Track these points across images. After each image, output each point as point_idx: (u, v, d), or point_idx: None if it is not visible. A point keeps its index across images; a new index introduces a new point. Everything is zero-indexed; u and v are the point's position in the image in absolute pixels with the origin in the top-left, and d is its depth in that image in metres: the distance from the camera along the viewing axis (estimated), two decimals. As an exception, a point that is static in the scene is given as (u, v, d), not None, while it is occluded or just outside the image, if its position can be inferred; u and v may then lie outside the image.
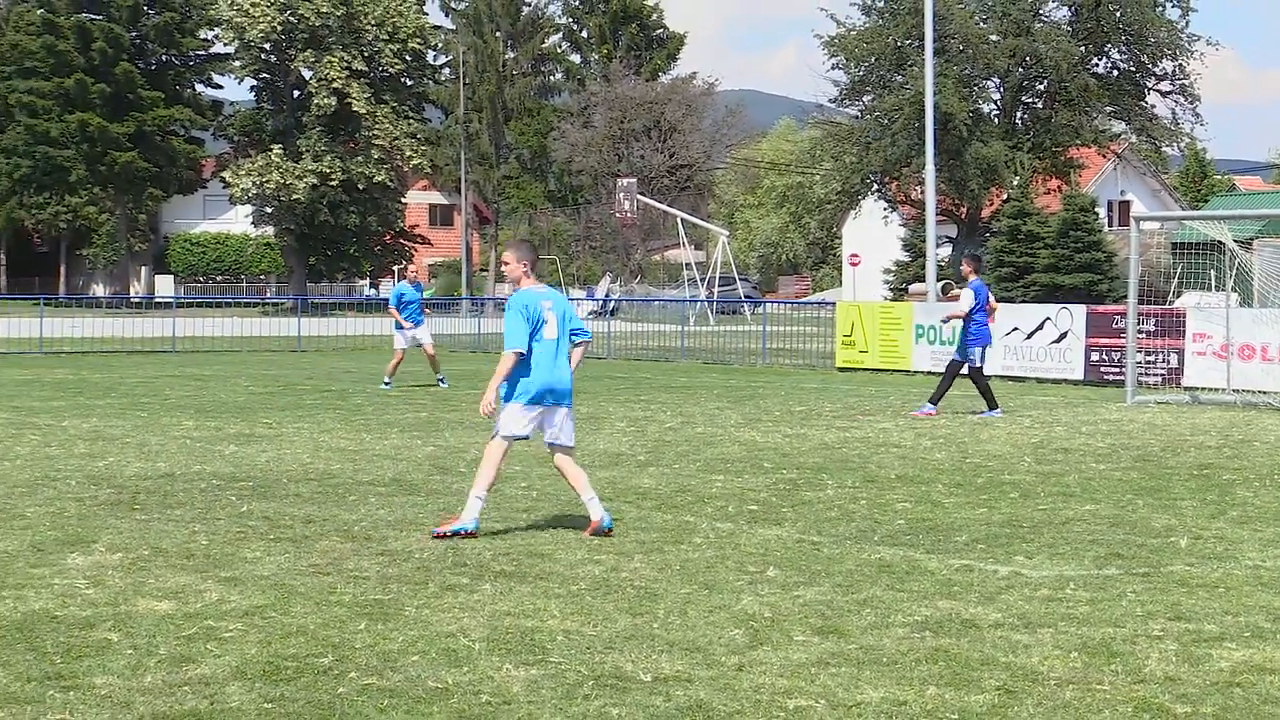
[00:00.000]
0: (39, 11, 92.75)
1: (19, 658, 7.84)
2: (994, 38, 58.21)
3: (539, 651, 8.04)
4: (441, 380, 27.97)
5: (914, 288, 48.11)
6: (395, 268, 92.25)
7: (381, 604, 9.13)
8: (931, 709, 7.08)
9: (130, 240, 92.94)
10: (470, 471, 15.30)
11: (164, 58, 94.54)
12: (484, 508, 11.56)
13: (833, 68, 60.75)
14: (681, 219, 77.11)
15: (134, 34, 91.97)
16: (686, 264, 77.08)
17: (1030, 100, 62.19)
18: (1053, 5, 60.51)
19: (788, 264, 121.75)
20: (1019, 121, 61.48)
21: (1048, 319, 30.84)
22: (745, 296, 75.81)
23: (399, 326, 28.18)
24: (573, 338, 11.87)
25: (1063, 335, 30.31)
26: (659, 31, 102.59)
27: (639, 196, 77.76)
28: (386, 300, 30.98)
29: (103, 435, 19.00)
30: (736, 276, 78.12)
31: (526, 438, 11.76)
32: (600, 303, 68.55)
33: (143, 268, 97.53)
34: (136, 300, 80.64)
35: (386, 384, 27.53)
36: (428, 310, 28.24)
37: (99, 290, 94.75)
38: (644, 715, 6.96)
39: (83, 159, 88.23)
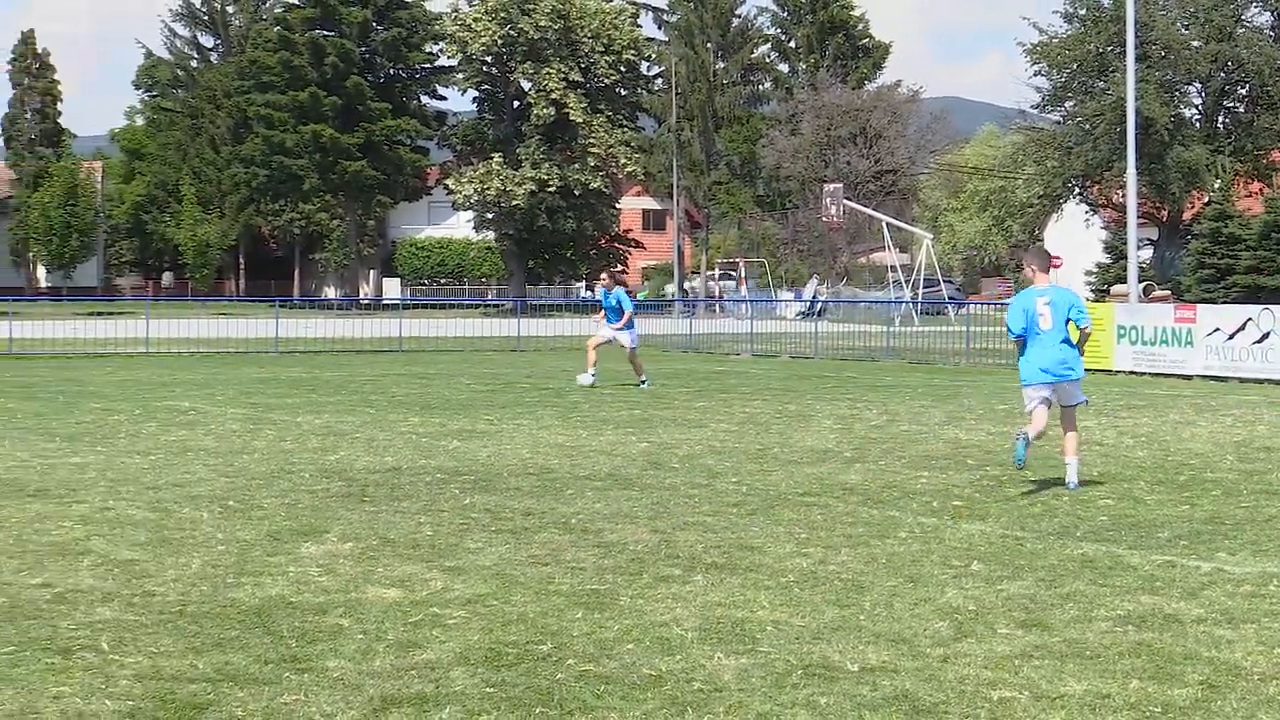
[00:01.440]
0: (276, 29, 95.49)
1: (257, 641, 8.09)
2: (1195, 44, 57.00)
3: (749, 641, 8.13)
4: (644, 382, 27.88)
5: (1116, 289, 47.30)
6: (609, 271, 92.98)
7: (598, 594, 9.30)
8: (1135, 702, 7.07)
9: (359, 245, 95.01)
10: (683, 467, 15.59)
11: (391, 71, 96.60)
12: (1028, 449, 13.78)
13: (1035, 74, 60.14)
14: (886, 223, 76.63)
15: (364, 49, 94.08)
16: (891, 266, 76.66)
17: (1232, 105, 60.82)
18: (1255, 10, 59.12)
19: (990, 266, 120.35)
20: (1220, 125, 60.13)
21: (1250, 320, 30.38)
22: (949, 298, 75.11)
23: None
24: (1076, 323, 13.92)
25: (1265, 336, 29.84)
26: (865, 41, 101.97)
27: (845, 201, 77.46)
28: (599, 302, 31.35)
29: (334, 431, 19.51)
30: (940, 278, 77.37)
31: (1049, 402, 13.96)
32: (807, 304, 68.58)
33: (371, 271, 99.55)
34: (365, 302, 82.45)
35: (589, 376, 27.74)
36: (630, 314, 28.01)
37: (330, 292, 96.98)
38: (851, 704, 7.00)
39: (315, 168, 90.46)
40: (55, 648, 7.91)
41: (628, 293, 29.35)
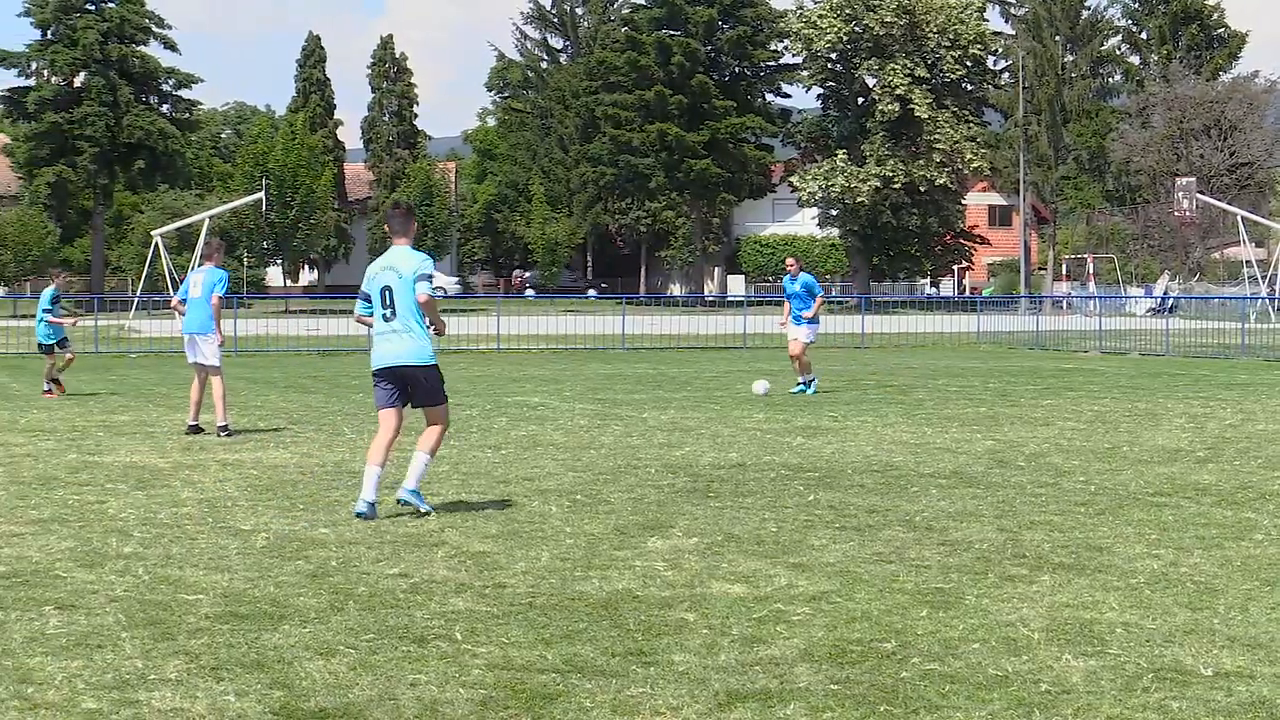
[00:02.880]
0: (623, 30, 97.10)
1: (604, 634, 8.21)
2: None
3: (1097, 643, 8.00)
4: (807, 386, 25.76)
5: None
6: (956, 266, 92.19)
7: (943, 592, 9.23)
8: None
9: (704, 242, 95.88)
10: (1029, 466, 15.35)
11: (736, 69, 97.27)
12: None
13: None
14: (1241, 217, 74.21)
15: (709, 48, 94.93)
16: (1246, 261, 74.20)
17: None
18: None
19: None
20: None
21: None
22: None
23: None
24: None
25: None
26: (1220, 31, 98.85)
27: (1198, 195, 75.33)
28: (948, 298, 30.85)
29: (679, 426, 19.75)
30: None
31: None
32: (1159, 300, 66.90)
33: (715, 268, 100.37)
34: (710, 299, 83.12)
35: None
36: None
37: (675, 289, 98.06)
38: (1204, 710, 6.84)
39: (661, 166, 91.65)
40: (411, 636, 8.16)
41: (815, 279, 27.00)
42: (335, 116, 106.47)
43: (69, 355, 26.66)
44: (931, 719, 6.77)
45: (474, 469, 15.26)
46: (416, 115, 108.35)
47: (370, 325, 12.58)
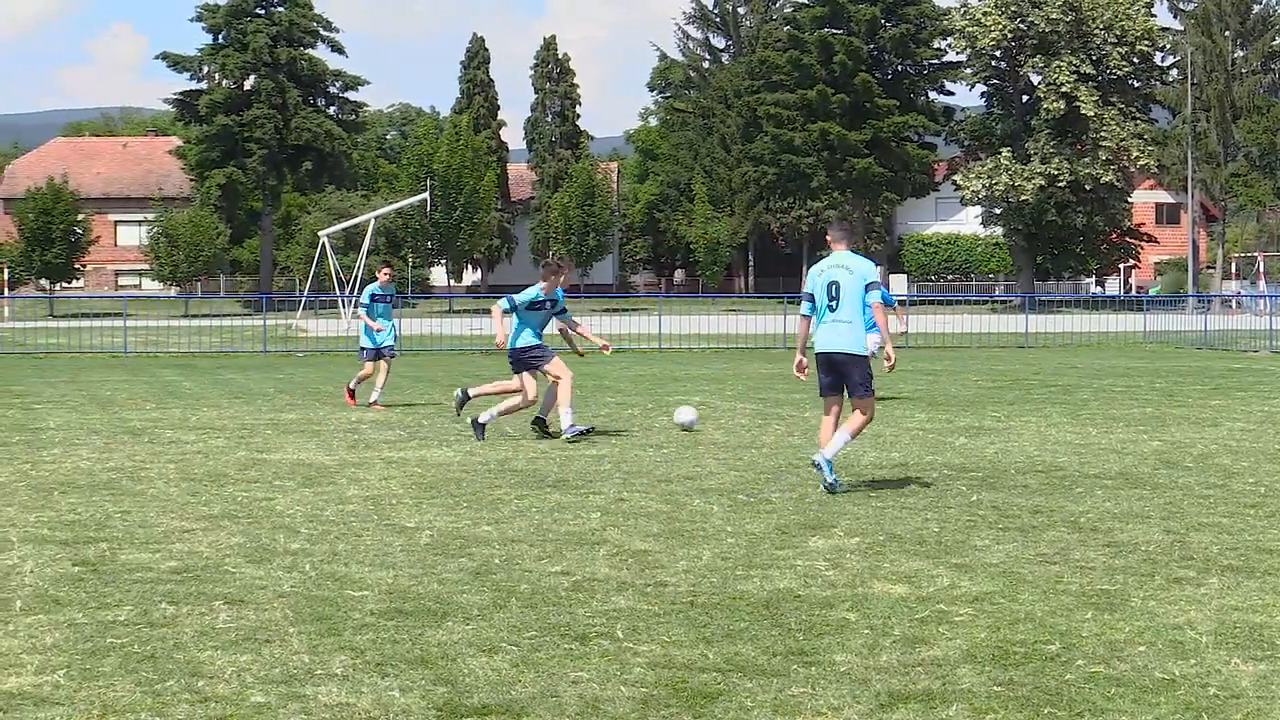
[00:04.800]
0: (786, 29, 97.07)
1: (765, 633, 8.20)
2: None
3: (1267, 647, 7.85)
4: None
5: None
6: (1122, 265, 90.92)
7: (1108, 594, 9.12)
8: None
9: (867, 241, 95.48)
10: (1196, 467, 15.09)
11: (899, 68, 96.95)
12: None
13: None
14: None
15: (871, 46, 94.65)
16: None
17: None
18: None
19: None
20: None
21: None
22: None
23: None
24: None
25: None
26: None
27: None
28: (1113, 297, 30.35)
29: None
30: None
31: None
32: None
33: (878, 267, 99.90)
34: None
35: None
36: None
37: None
38: (1377, 718, 6.69)
39: (823, 165, 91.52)
40: (573, 634, 8.21)
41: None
42: (499, 117, 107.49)
43: (367, 368, 23.77)
44: (1096, 722, 6.70)
45: (635, 467, 15.32)
46: (579, 115, 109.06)
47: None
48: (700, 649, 7.88)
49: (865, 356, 13.57)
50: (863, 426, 13.69)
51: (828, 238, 14.32)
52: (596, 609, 8.80)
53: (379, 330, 23.48)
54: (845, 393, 13.67)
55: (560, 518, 12.06)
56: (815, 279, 13.69)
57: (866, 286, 13.56)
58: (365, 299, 23.89)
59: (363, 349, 23.69)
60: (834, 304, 13.49)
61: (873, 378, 13.71)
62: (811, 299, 13.67)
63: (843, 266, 13.60)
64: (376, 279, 24.15)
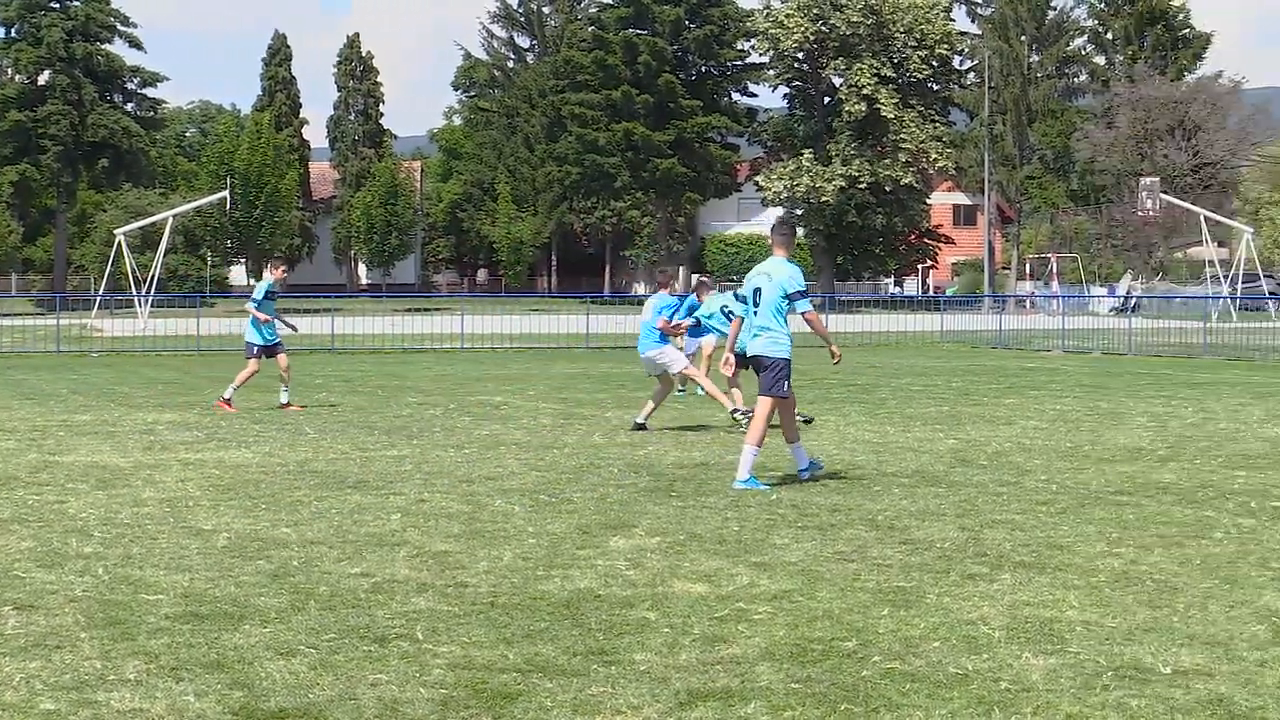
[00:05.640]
0: (590, 29, 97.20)
1: (566, 633, 8.21)
2: None
3: (1058, 641, 8.03)
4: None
5: None
6: (920, 265, 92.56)
7: (904, 591, 9.25)
8: None
9: (669, 242, 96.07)
10: (991, 465, 15.38)
11: (703, 69, 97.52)
12: None
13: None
14: (1204, 217, 74.72)
15: (675, 47, 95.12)
16: (1209, 261, 74.79)
17: None
18: None
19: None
20: None
21: None
22: (1269, 293, 72.98)
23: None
24: None
25: None
26: (1185, 31, 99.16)
27: (1162, 195, 75.89)
28: (912, 297, 30.56)
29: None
30: (1260, 273, 75.24)
31: None
32: (1121, 300, 67.42)
33: (680, 268, 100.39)
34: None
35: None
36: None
37: (640, 289, 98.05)
38: (1163, 708, 6.86)
39: (627, 165, 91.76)
40: (372, 636, 8.15)
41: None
42: (301, 115, 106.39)
43: (252, 365, 22.89)
44: (892, 717, 6.77)
45: (437, 468, 15.24)
46: (382, 114, 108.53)
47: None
48: (500, 649, 7.87)
49: (779, 360, 13.96)
50: (762, 424, 14.04)
51: (769, 241, 14.85)
52: (396, 610, 8.74)
53: (266, 322, 22.90)
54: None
55: (360, 519, 11.96)
56: (747, 281, 14.32)
57: (788, 296, 13.98)
58: (260, 295, 23.11)
59: (251, 346, 22.87)
60: (755, 309, 14.10)
61: (786, 380, 14.04)
62: (744, 300, 14.39)
63: (765, 273, 14.13)
64: (270, 275, 23.54)
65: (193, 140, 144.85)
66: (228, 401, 22.45)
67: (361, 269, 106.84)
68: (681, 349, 20.44)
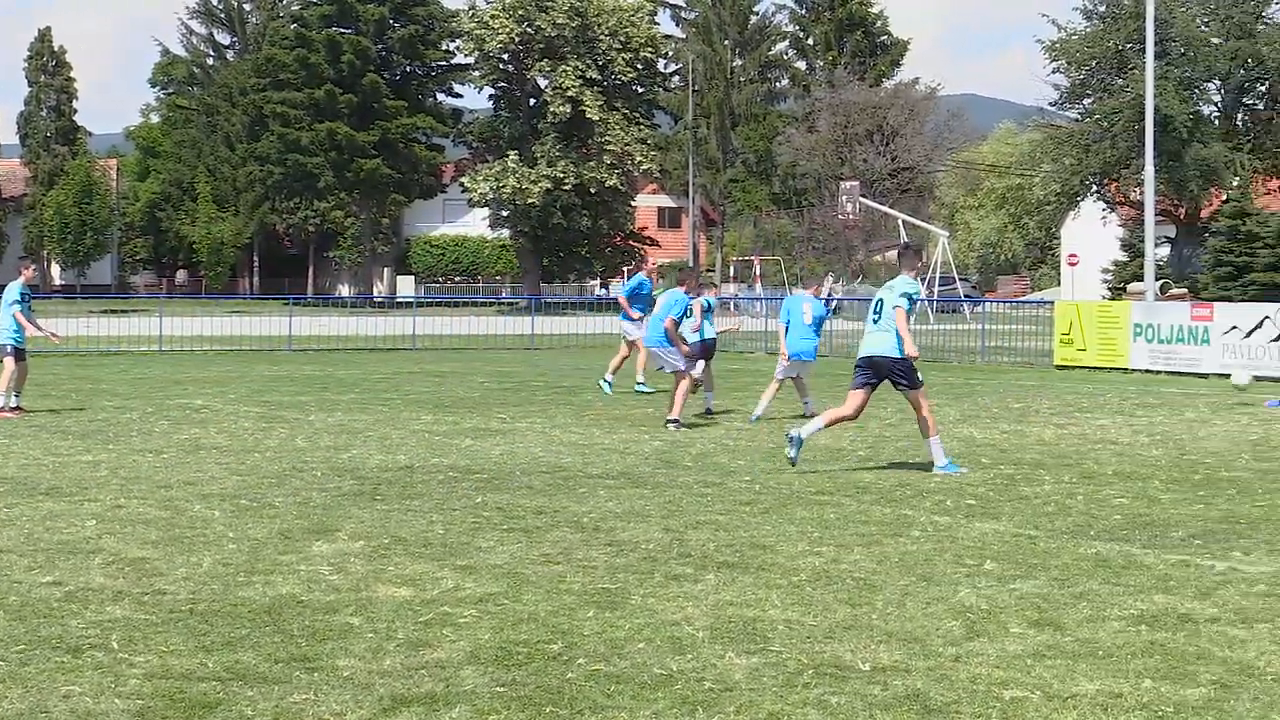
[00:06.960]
0: (293, 27, 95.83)
1: (267, 640, 8.09)
2: (1215, 40, 57.25)
3: (760, 640, 8.13)
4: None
5: (1132, 287, 47.46)
6: (626, 268, 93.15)
7: (609, 593, 9.30)
8: (1147, 702, 7.05)
9: (374, 243, 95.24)
10: (695, 465, 15.56)
11: (408, 69, 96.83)
12: None
13: (1054, 71, 60.90)
14: (902, 220, 76.80)
15: (380, 46, 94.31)
16: (906, 263, 76.82)
17: (1251, 102, 61.55)
18: (1276, 8, 59.32)
19: (1007, 264, 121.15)
20: (1239, 123, 60.84)
21: (1267, 318, 30.48)
22: (964, 296, 75.35)
23: (627, 318, 27.41)
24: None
25: (1282, 334, 29.99)
26: (883, 38, 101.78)
27: (861, 199, 77.86)
28: (616, 299, 30.59)
29: (347, 429, 19.54)
30: (956, 276, 77.63)
31: None
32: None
33: (385, 269, 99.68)
34: (379, 300, 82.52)
35: (608, 381, 26.29)
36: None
37: (344, 290, 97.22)
38: (862, 704, 6.99)
39: (330, 166, 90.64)
40: (65, 646, 7.92)
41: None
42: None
43: (9, 364, 21.81)
44: (597, 719, 6.78)
45: (134, 473, 14.86)
46: (76, 110, 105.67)
47: None
48: (200, 658, 7.72)
49: (897, 358, 15.53)
50: (928, 413, 15.77)
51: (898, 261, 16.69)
52: (90, 619, 8.51)
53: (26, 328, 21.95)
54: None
55: (53, 526, 11.60)
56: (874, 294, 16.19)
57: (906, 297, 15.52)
58: (16, 296, 21.92)
59: (6, 348, 21.65)
60: (875, 316, 15.65)
61: (917, 372, 15.64)
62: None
63: (888, 287, 15.69)
64: (21, 275, 22.48)
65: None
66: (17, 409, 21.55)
67: (55, 270, 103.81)
68: (687, 351, 20.70)
